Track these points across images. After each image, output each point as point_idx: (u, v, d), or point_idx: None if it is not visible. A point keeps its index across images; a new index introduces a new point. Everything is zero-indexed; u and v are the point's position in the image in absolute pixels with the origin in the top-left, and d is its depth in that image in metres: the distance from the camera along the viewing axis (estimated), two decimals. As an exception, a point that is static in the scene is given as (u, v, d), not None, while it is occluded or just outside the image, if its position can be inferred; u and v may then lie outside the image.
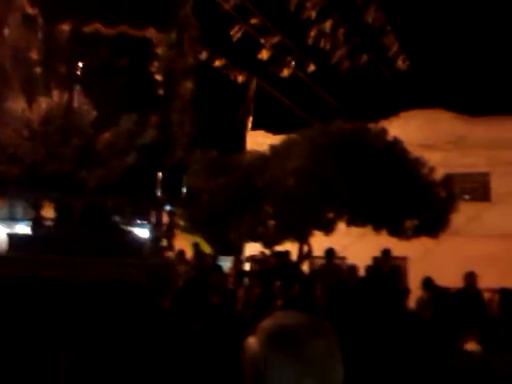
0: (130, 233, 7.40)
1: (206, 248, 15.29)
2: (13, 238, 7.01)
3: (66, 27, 7.62)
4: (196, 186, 13.87)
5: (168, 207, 7.90)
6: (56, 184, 6.82)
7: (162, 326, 4.52)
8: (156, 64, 7.60)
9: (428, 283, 10.81)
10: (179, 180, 7.53)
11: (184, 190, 7.57)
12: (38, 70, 7.64)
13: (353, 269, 11.89)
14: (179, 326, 4.65)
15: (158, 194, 7.25)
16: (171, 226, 7.92)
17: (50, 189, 6.91)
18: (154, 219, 7.73)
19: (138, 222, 7.90)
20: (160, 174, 7.25)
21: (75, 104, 7.46)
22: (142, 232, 7.91)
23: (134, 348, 3.59)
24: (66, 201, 7.25)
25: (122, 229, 7.31)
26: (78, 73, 7.74)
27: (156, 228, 7.74)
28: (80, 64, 7.76)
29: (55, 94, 7.43)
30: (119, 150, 6.98)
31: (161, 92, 7.63)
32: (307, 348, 1.38)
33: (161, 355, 3.84)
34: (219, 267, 8.78)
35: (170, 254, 8.09)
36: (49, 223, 7.48)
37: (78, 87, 7.66)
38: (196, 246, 12.93)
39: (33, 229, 7.27)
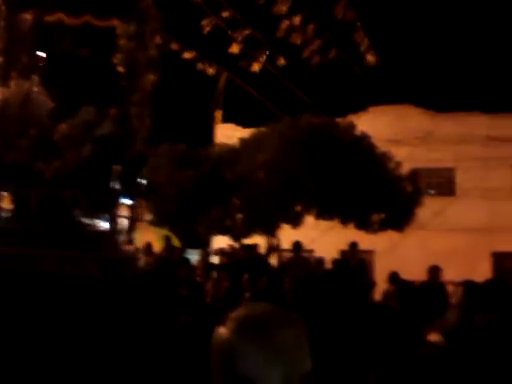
0: (87, 226, 7.30)
1: (175, 241, 15.24)
2: None
3: (28, 16, 7.50)
4: (164, 179, 13.82)
5: (129, 200, 7.85)
6: (12, 175, 6.73)
7: (114, 317, 4.49)
8: (117, 55, 7.52)
9: (394, 277, 10.97)
10: (137, 173, 7.47)
11: (143, 182, 7.51)
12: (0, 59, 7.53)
13: (320, 262, 11.98)
14: (137, 317, 4.63)
15: (116, 186, 7.18)
16: (133, 220, 7.87)
17: (6, 180, 6.82)
18: (112, 212, 7.66)
19: (97, 214, 7.79)
20: (118, 167, 7.18)
21: (33, 94, 7.35)
22: (102, 225, 7.82)
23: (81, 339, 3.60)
24: (22, 192, 7.16)
25: (79, 222, 7.22)
26: (39, 62, 7.64)
27: (113, 221, 7.67)
28: (41, 54, 7.64)
29: (13, 83, 7.31)
30: (76, 141, 6.90)
31: (121, 84, 7.56)
32: (276, 337, 1.39)
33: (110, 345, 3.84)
34: (187, 260, 8.76)
35: (130, 247, 8.02)
36: (7, 215, 7.38)
37: (36, 77, 7.55)
38: (167, 238, 12.86)
39: None
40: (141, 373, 3.88)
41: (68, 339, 3.61)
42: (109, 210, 7.59)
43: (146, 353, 4.05)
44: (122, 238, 8.09)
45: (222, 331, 1.43)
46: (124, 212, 8.06)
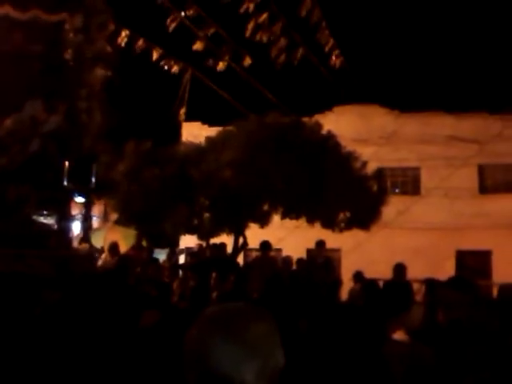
0: (36, 223, 7.15)
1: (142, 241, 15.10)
2: None
3: None
4: (128, 178, 13.66)
5: (82, 198, 7.73)
6: None
7: (64, 316, 4.39)
8: (63, 49, 7.38)
9: (358, 276, 11.06)
10: (88, 169, 7.31)
11: (93, 179, 7.34)
12: None
13: (287, 261, 12.02)
14: (89, 315, 4.54)
15: (65, 183, 7.03)
16: (87, 218, 7.78)
17: None
18: (62, 210, 7.52)
19: (46, 212, 7.62)
20: (67, 163, 7.02)
21: None
22: (51, 222, 7.66)
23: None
24: None
25: (27, 219, 7.06)
26: None
27: (64, 219, 7.54)
28: None
29: None
30: (22, 136, 6.75)
31: (67, 78, 7.41)
32: (247, 332, 1.39)
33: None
34: (156, 260, 8.69)
35: (85, 245, 7.91)
36: None
37: None
38: (138, 237, 12.69)
39: None
40: (97, 374, 3.82)
41: (13, 340, 3.51)
42: (59, 208, 7.44)
43: (101, 353, 3.99)
44: (76, 236, 7.98)
45: (194, 329, 1.42)
46: (78, 210, 7.96)
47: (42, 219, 7.38)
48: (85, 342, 3.93)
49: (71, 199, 7.52)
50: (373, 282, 10.44)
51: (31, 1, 7.14)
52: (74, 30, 7.43)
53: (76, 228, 8.34)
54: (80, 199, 7.76)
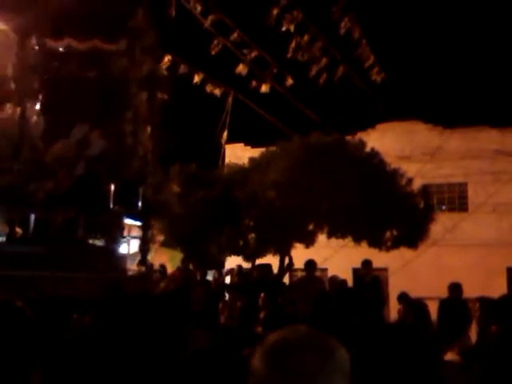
0: (86, 246, 7.21)
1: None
2: None
3: (36, 42, 7.55)
4: (175, 200, 13.83)
5: (136, 221, 7.79)
6: (5, 197, 6.70)
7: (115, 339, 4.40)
8: (107, 74, 7.51)
9: (403, 297, 10.87)
10: (135, 192, 7.34)
11: (140, 202, 7.37)
12: (12, 85, 7.58)
13: (333, 280, 11.92)
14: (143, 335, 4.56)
15: (113, 205, 7.07)
16: (144, 240, 7.80)
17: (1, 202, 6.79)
18: (112, 232, 7.59)
19: (94, 235, 7.70)
20: (113, 186, 7.07)
21: (28, 117, 7.36)
22: (100, 245, 7.73)
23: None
24: (17, 215, 7.14)
25: (76, 242, 7.14)
26: (35, 86, 7.65)
27: (112, 241, 7.61)
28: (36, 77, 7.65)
29: (8, 107, 7.34)
30: (68, 161, 6.86)
31: (112, 102, 7.51)
32: (295, 363, 1.38)
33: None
34: (207, 282, 8.73)
35: (141, 267, 7.92)
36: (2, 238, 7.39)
37: (34, 100, 7.57)
38: (184, 260, 12.83)
39: None
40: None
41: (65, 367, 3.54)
42: (107, 230, 7.52)
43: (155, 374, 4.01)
44: (133, 258, 8.05)
45: (254, 353, 1.43)
46: (134, 233, 8.04)
47: (90, 242, 7.48)
48: (133, 367, 3.96)
49: (120, 222, 7.59)
50: (419, 304, 10.27)
51: (90, 31, 7.35)
52: (117, 54, 7.58)
53: (132, 250, 8.43)
54: (136, 222, 7.84)
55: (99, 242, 7.77)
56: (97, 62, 7.48)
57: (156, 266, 12.44)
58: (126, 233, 8.11)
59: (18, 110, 7.34)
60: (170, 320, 5.13)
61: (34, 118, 7.43)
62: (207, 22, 13.17)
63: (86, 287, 6.06)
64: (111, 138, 7.16)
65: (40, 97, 7.59)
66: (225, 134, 20.42)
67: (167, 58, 13.86)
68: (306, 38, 14.22)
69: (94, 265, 6.79)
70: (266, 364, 1.39)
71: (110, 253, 7.41)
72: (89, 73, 7.42)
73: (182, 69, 14.22)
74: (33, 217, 7.16)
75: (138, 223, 7.79)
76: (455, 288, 9.41)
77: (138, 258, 7.88)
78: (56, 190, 6.69)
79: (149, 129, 8.08)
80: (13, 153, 6.95)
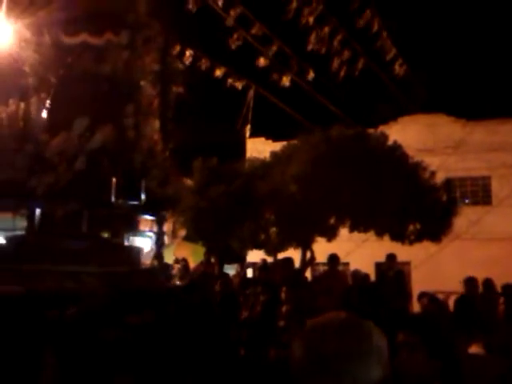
0: (90, 241, 7.18)
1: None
2: None
3: (49, 38, 7.56)
4: (197, 194, 13.87)
5: (150, 216, 7.75)
6: (8, 192, 6.73)
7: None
8: (108, 66, 7.48)
9: (423, 296, 10.80)
10: (137, 186, 7.27)
11: (143, 195, 7.29)
12: (30, 81, 7.62)
13: (356, 274, 11.88)
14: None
15: (114, 199, 7.02)
16: (159, 235, 7.76)
17: (2, 197, 6.82)
18: (114, 226, 7.57)
19: (98, 229, 7.63)
20: (117, 180, 7.02)
21: (32, 111, 7.38)
22: (103, 239, 7.71)
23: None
24: (18, 209, 7.17)
25: (79, 236, 7.13)
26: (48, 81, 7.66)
27: (117, 235, 7.60)
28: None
29: (11, 101, 7.36)
30: (68, 155, 6.85)
31: (113, 95, 7.48)
32: (330, 345, 1.40)
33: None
34: (226, 275, 8.73)
35: (154, 261, 7.88)
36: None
37: (41, 95, 7.59)
38: (206, 253, 12.89)
39: (6, 239, 7.23)
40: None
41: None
42: (112, 224, 7.51)
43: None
44: (148, 252, 8.03)
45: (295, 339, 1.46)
46: (148, 227, 8.01)
47: (94, 236, 7.46)
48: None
49: (125, 215, 7.54)
50: (439, 301, 10.22)
51: (106, 26, 7.36)
52: (118, 46, 7.56)
53: (146, 245, 8.40)
54: (149, 217, 7.81)
55: (104, 237, 7.76)
56: (100, 56, 7.47)
57: (174, 260, 12.47)
58: (145, 228, 8.09)
59: (22, 104, 7.36)
60: (182, 312, 5.12)
61: (39, 112, 7.46)
62: (228, 17, 13.16)
63: (90, 281, 6.03)
64: (112, 131, 7.10)
65: (50, 92, 7.61)
66: (247, 128, 20.45)
67: (188, 53, 13.89)
68: (326, 30, 14.14)
69: (103, 258, 6.76)
70: (304, 348, 1.44)
71: (115, 248, 7.39)
72: (95, 67, 7.41)
73: (203, 63, 14.24)
74: (38, 211, 7.19)
75: (153, 218, 7.76)
76: (469, 282, 9.34)
77: (153, 252, 7.86)
78: (56, 184, 6.68)
79: (157, 122, 8.02)
80: (16, 147, 6.98)
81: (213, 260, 13.02)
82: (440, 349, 4.90)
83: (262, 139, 23.62)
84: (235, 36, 13.66)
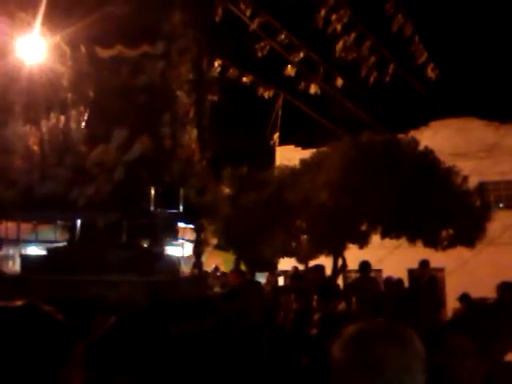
0: (129, 250, 7.23)
1: (241, 265, 15.31)
2: (24, 260, 7.12)
3: (85, 51, 7.69)
4: (223, 202, 13.91)
5: (188, 224, 7.79)
6: (51, 204, 6.82)
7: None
8: (144, 77, 7.55)
9: (465, 298, 10.65)
10: (178, 194, 7.32)
11: (181, 204, 7.34)
12: (68, 95, 7.76)
13: (389, 281, 11.77)
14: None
15: (153, 208, 7.07)
16: (198, 243, 7.80)
17: (45, 209, 6.92)
18: (154, 235, 7.61)
19: (137, 238, 7.70)
20: (155, 189, 7.08)
21: (71, 124, 7.50)
22: (144, 248, 7.77)
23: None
24: (59, 220, 7.24)
25: (119, 246, 7.19)
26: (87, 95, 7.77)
27: (156, 244, 7.64)
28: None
29: (53, 116, 7.49)
30: (108, 166, 6.93)
31: (150, 105, 7.54)
32: (373, 351, 1.41)
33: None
34: (258, 283, 8.69)
35: (194, 271, 7.91)
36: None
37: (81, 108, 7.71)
38: (236, 262, 12.93)
39: (47, 250, 7.33)
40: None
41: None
42: (151, 233, 7.56)
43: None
44: (187, 261, 8.06)
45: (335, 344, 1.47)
46: (188, 236, 8.04)
47: (134, 245, 7.53)
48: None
49: (163, 224, 7.59)
50: (479, 304, 10.02)
51: (141, 37, 7.45)
52: (153, 57, 7.64)
53: (185, 253, 8.46)
54: (189, 225, 7.87)
55: (143, 246, 7.83)
56: (138, 68, 7.56)
57: (208, 269, 12.50)
58: (182, 236, 8.14)
59: (62, 118, 7.51)
60: (221, 321, 5.11)
61: (78, 125, 7.59)
62: (254, 25, 13.20)
63: (129, 291, 6.07)
64: (150, 142, 7.19)
65: (88, 105, 7.74)
66: (276, 136, 20.45)
67: (217, 63, 13.97)
68: (353, 36, 14.08)
69: (142, 268, 6.81)
70: (346, 353, 1.45)
71: (154, 257, 7.43)
72: (132, 79, 7.51)
73: (231, 72, 14.30)
74: (79, 222, 7.31)
75: (191, 226, 7.81)
76: (503, 287, 9.13)
77: (193, 261, 7.89)
78: (96, 195, 6.79)
79: (194, 131, 8.10)
80: (57, 160, 7.12)
81: (243, 268, 13.04)
82: (485, 353, 4.83)
83: (291, 147, 23.61)
84: (262, 44, 13.69)
